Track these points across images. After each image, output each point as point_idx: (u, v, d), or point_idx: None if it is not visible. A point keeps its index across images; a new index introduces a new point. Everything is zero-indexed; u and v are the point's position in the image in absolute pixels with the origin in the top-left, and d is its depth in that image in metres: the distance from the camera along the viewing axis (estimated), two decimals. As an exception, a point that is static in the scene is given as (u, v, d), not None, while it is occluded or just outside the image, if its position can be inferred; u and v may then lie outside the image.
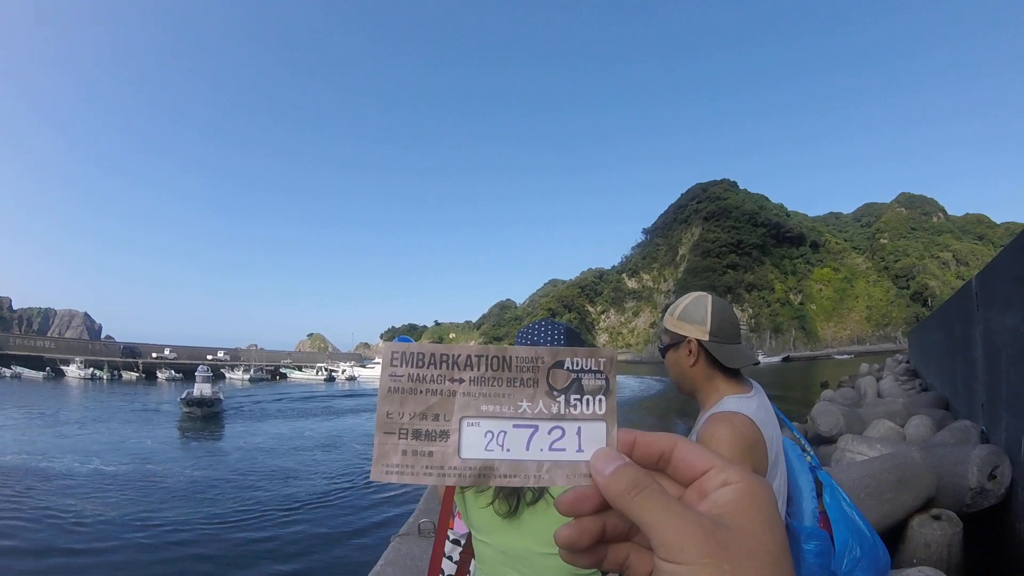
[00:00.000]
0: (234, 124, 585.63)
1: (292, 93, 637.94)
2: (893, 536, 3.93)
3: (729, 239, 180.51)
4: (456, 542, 2.30)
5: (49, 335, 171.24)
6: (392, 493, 14.32)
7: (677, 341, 1.65)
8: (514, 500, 1.39)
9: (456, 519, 2.42)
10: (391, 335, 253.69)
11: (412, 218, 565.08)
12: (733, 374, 1.61)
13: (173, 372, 74.35)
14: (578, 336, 1.57)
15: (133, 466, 18.04)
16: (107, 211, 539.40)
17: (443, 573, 2.22)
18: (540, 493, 1.38)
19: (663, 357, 1.73)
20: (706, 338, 1.59)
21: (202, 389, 35.10)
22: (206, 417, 30.40)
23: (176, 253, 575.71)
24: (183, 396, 33.42)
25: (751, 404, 1.53)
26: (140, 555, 10.13)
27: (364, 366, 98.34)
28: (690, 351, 1.62)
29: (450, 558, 2.26)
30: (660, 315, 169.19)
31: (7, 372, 63.11)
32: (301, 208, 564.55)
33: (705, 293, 1.70)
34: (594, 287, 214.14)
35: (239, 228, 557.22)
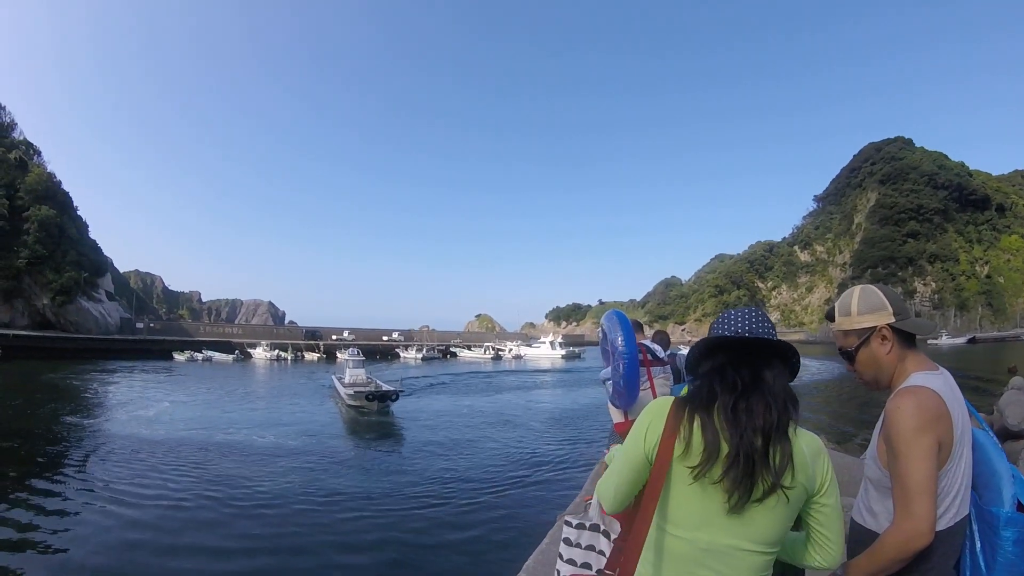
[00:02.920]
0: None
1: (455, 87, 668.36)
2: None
3: (908, 204, 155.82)
4: (595, 528, 2.19)
5: (236, 323, 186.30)
6: (558, 471, 14.58)
7: (866, 335, 1.69)
8: (746, 492, 1.23)
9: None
10: (556, 315, 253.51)
11: (576, 204, 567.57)
12: (918, 353, 1.66)
13: (352, 352, 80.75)
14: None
15: (305, 440, 18.72)
16: (288, 211, 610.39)
17: (589, 567, 2.15)
18: (774, 487, 1.23)
19: (852, 361, 1.73)
20: (893, 320, 1.65)
21: (355, 375, 29.44)
22: (380, 412, 24.79)
23: (353, 246, 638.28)
24: (345, 391, 26.82)
25: (937, 380, 1.57)
26: (320, 534, 10.23)
27: (530, 345, 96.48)
28: (884, 338, 1.66)
29: (592, 547, 2.19)
30: (836, 291, 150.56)
31: (199, 356, 66.68)
32: (465, 200, 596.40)
33: (864, 284, 1.80)
34: (764, 261, 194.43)
35: (411, 221, 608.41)
